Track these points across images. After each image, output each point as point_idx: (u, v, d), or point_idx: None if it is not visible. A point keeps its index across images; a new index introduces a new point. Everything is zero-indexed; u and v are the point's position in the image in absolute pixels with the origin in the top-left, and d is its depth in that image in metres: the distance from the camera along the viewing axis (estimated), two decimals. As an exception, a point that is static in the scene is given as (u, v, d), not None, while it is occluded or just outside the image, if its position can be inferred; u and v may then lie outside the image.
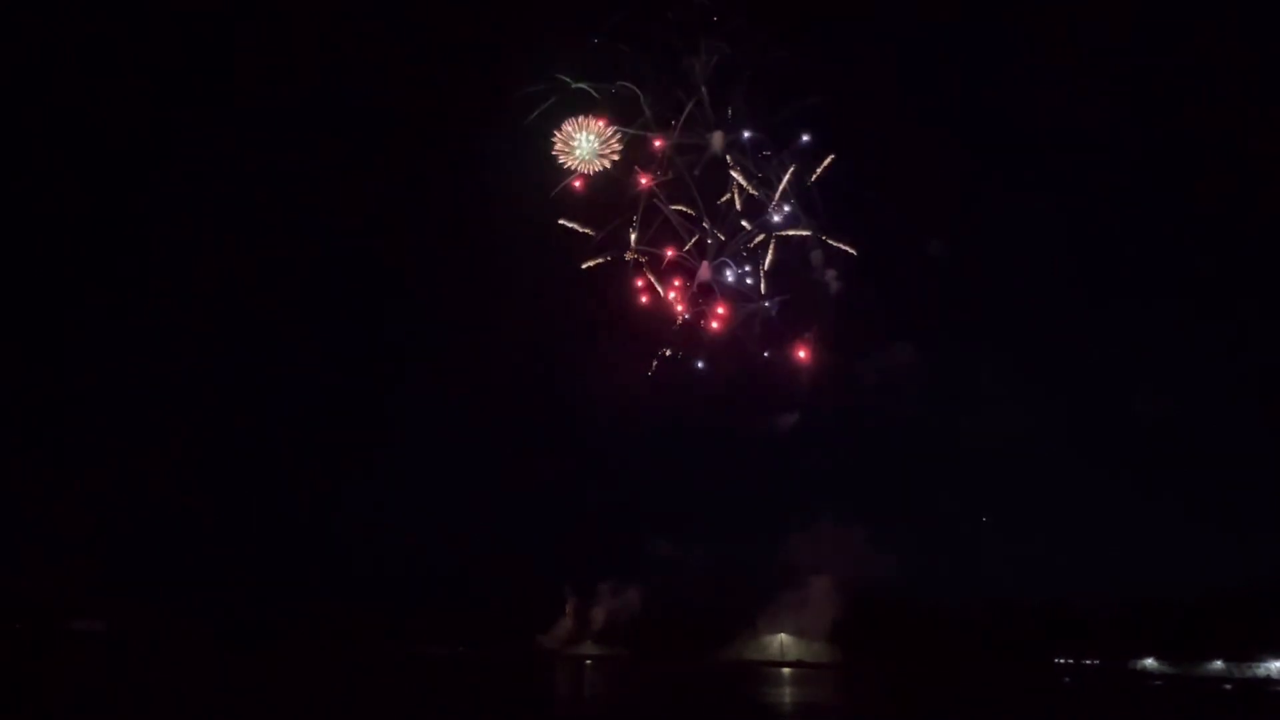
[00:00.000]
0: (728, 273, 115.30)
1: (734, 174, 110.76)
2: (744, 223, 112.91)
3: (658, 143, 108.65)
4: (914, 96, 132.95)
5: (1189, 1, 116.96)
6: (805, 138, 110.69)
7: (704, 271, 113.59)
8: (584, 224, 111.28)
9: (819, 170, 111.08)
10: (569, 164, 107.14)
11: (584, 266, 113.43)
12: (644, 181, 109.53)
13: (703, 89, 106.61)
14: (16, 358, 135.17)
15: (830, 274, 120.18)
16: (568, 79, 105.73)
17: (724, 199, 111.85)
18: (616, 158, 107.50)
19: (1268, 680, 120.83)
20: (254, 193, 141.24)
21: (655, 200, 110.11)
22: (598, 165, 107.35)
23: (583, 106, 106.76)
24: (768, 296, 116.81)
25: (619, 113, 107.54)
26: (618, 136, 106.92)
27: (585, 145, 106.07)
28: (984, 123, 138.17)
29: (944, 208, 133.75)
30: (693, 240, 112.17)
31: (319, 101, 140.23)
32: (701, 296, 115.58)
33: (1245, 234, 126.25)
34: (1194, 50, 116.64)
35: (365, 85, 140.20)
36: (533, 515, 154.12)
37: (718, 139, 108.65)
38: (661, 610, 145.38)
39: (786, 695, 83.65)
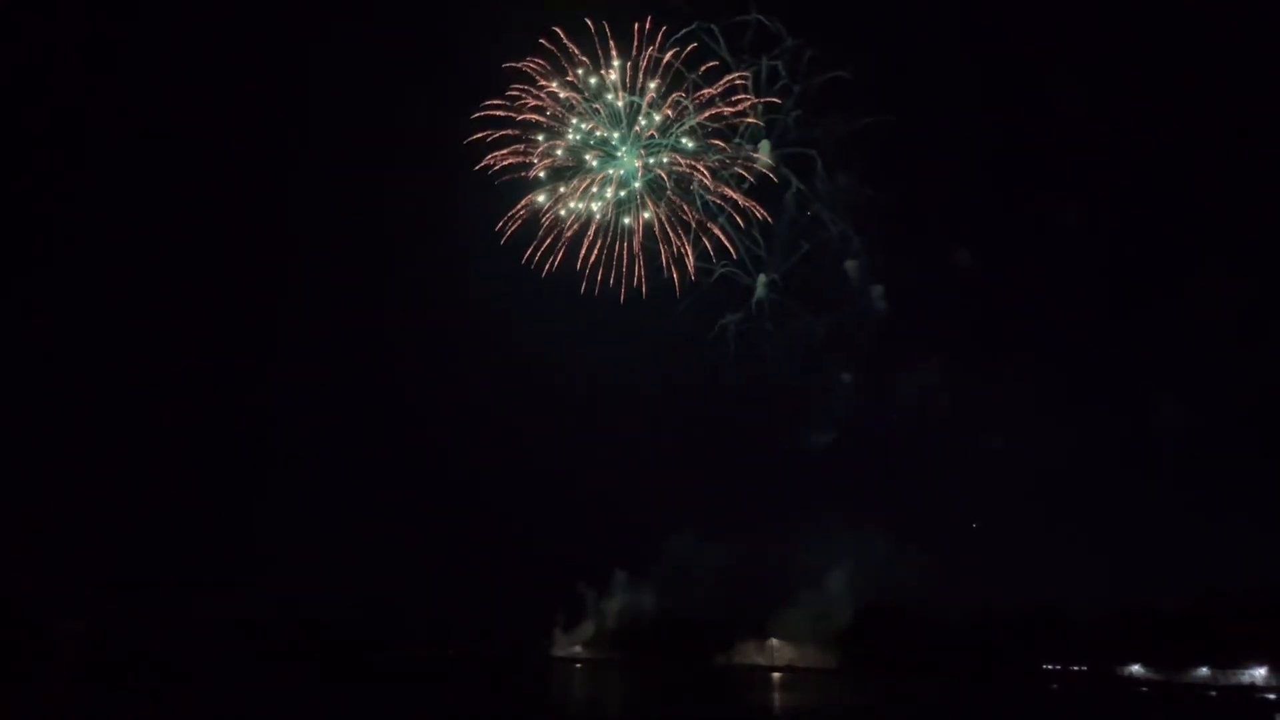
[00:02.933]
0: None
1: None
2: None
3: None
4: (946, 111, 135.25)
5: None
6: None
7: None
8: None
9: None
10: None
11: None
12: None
13: (756, 104, 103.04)
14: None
15: (876, 290, 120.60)
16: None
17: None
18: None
19: (1252, 687, 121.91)
20: (248, 199, 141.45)
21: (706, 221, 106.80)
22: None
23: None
24: (815, 313, 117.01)
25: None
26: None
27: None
28: (1012, 140, 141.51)
29: (971, 226, 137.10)
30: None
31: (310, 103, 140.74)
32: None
33: (1244, 235, 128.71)
34: (1213, 58, 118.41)
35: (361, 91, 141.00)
36: (534, 517, 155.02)
37: (765, 149, 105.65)
38: (655, 614, 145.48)
39: (777, 700, 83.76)
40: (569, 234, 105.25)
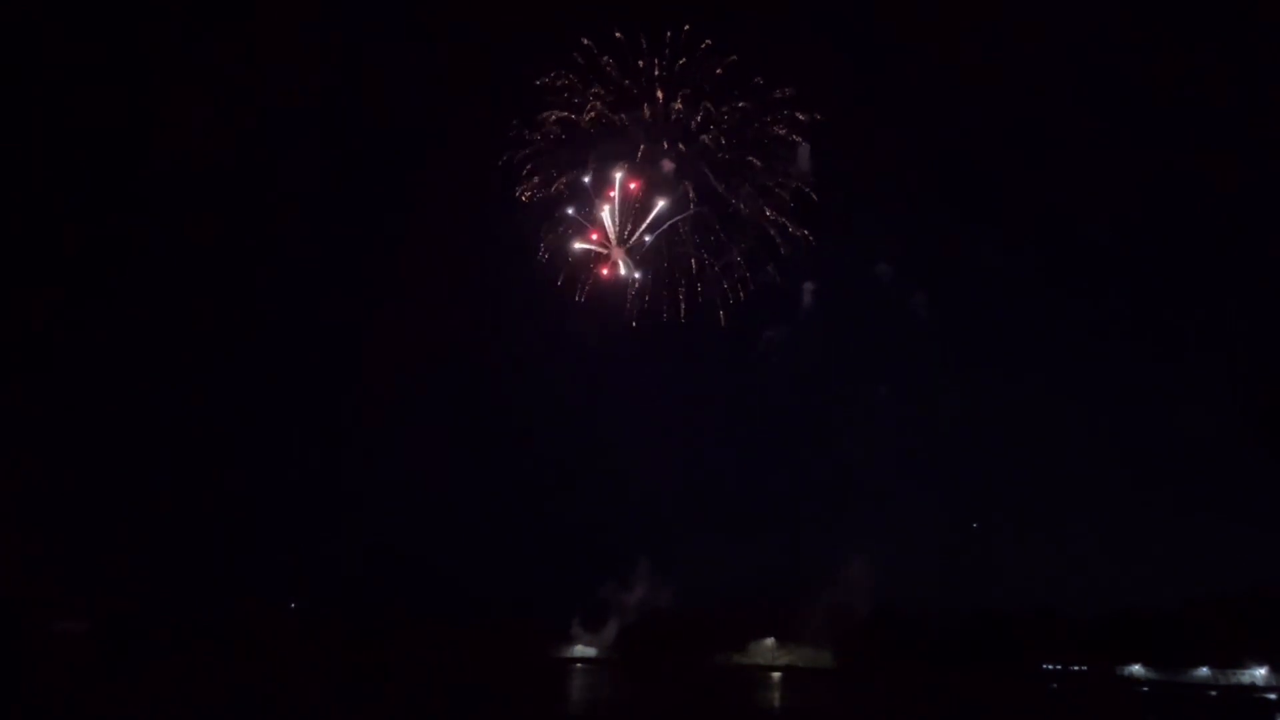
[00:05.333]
0: None
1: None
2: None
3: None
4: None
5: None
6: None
7: None
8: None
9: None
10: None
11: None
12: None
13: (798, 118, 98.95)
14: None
15: (920, 299, 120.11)
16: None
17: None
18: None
19: (1252, 687, 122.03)
20: (249, 197, 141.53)
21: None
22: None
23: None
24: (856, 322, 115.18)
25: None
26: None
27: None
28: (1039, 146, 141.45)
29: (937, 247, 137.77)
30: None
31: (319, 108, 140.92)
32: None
33: (1227, 236, 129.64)
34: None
35: (364, 96, 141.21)
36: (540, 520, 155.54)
37: (804, 156, 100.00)
38: (659, 615, 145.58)
39: (777, 700, 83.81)
40: (601, 263, 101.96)
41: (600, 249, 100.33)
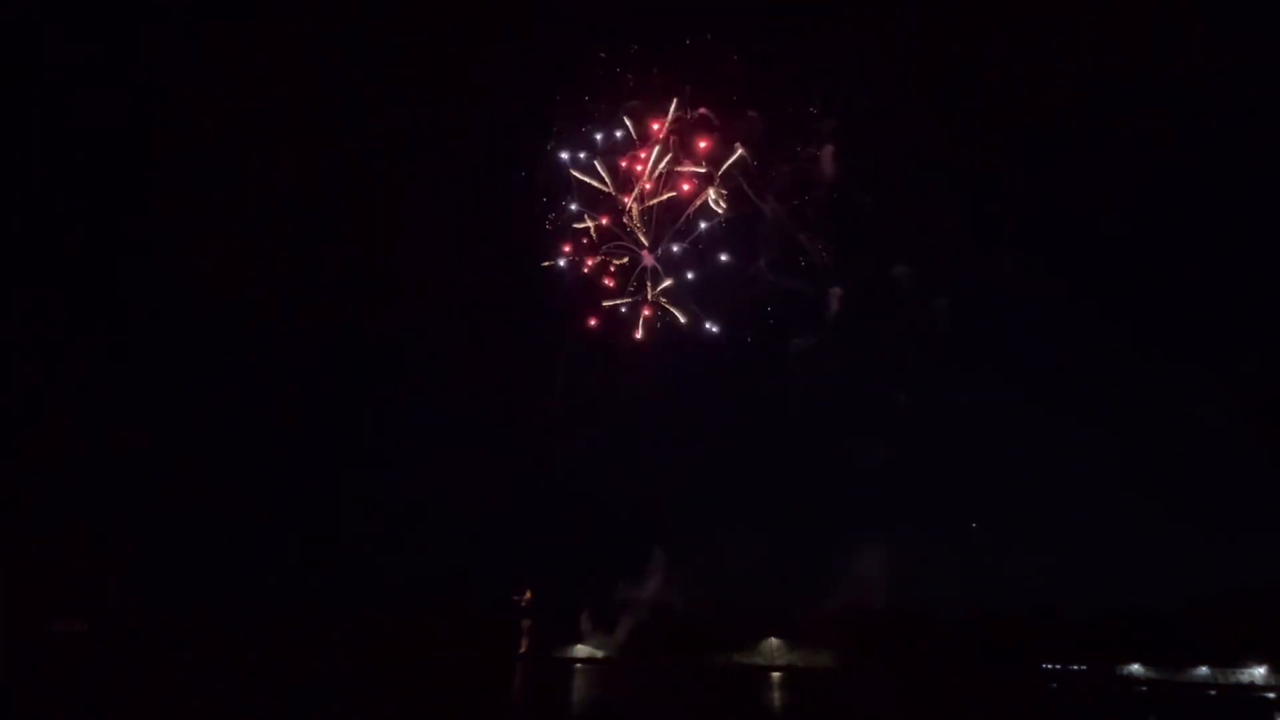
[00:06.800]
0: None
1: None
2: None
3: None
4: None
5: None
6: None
7: None
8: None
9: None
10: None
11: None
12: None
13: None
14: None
15: (938, 302, 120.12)
16: None
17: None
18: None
19: (1251, 686, 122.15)
20: (253, 197, 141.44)
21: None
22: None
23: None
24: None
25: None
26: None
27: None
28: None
29: (950, 252, 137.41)
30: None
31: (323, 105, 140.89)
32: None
33: (1234, 242, 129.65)
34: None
35: (370, 93, 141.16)
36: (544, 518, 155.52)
37: (827, 154, 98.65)
38: (660, 616, 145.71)
39: (778, 699, 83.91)
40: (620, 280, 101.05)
41: (628, 250, 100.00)
